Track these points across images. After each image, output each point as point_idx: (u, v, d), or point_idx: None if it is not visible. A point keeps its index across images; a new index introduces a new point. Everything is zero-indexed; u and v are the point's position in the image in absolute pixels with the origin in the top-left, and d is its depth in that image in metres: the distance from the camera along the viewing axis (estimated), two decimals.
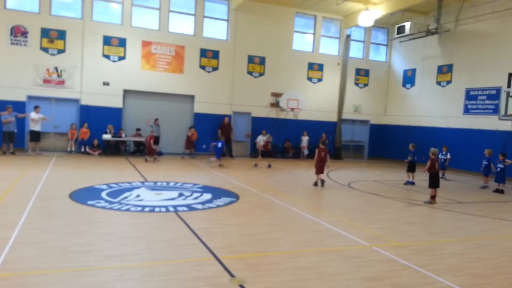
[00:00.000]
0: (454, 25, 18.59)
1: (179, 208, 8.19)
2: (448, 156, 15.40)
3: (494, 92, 16.66)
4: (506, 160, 12.86)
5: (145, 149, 16.48)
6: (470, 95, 17.95)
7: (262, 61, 20.07)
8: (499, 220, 9.07)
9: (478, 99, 17.56)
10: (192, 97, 19.23)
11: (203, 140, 19.13)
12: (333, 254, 5.96)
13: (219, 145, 15.81)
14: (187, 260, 5.32)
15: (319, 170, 12.04)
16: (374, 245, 6.47)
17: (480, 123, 17.25)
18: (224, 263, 5.23)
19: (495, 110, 16.11)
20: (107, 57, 17.76)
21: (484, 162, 13.91)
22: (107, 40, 17.69)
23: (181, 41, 18.73)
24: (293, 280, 4.87)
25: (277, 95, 20.22)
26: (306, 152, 20.30)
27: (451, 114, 18.69)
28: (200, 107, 19.25)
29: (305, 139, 20.36)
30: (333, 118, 21.57)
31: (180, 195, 9.54)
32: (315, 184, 12.17)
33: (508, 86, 14.66)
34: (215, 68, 19.35)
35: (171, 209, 8.12)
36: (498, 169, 12.95)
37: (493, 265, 5.87)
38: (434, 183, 10.48)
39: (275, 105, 20.20)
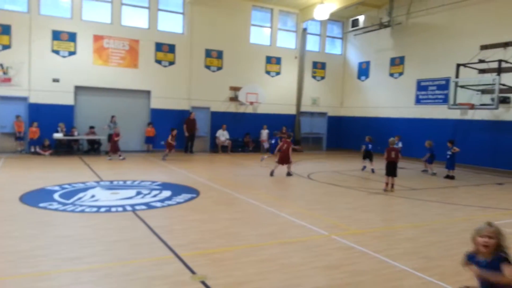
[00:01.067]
0: (405, 18, 19.27)
1: (137, 207, 7.98)
2: (400, 145, 15.95)
3: (443, 82, 17.45)
4: (454, 147, 13.50)
5: (110, 147, 15.93)
6: (421, 86, 18.71)
7: (219, 55, 19.91)
8: (450, 204, 9.55)
9: (429, 90, 18.34)
10: (148, 92, 18.77)
11: (162, 137, 18.76)
12: (294, 245, 6.03)
13: (273, 141, 15.94)
14: (147, 259, 5.20)
15: (280, 160, 12.58)
16: (333, 234, 6.61)
17: (431, 113, 18.04)
18: (185, 261, 5.15)
19: (445, 100, 16.88)
20: (57, 52, 16.95)
21: (427, 153, 14.84)
22: (56, 35, 16.86)
23: (135, 35, 18.19)
24: (256, 273, 4.88)
25: (236, 89, 20.15)
26: (266, 145, 20.41)
27: (403, 104, 19.41)
28: (157, 103, 18.84)
29: (265, 133, 20.47)
30: (292, 111, 21.82)
31: (138, 193, 9.30)
32: (271, 174, 12.63)
33: (457, 77, 15.40)
34: (171, 63, 18.98)
35: (129, 208, 7.90)
36: (448, 156, 13.60)
37: (444, 248, 6.17)
38: (389, 171, 10.86)
39: (234, 99, 20.14)
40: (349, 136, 22.24)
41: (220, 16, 19.65)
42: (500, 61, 14.20)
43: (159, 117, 18.70)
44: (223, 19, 19.71)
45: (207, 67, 19.73)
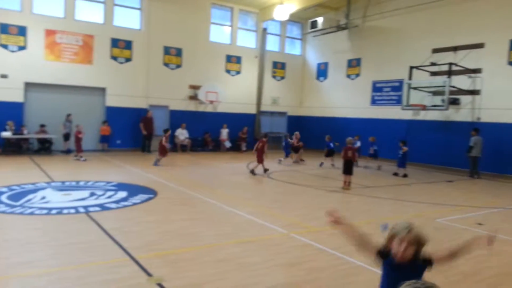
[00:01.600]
0: (362, 21, 19.81)
1: (91, 209, 7.68)
2: (358, 144, 16.43)
3: (397, 84, 18.11)
4: (403, 147, 13.99)
5: (76, 147, 15.17)
6: (376, 87, 19.33)
7: (178, 52, 19.59)
8: (403, 201, 9.92)
9: (384, 91, 18.97)
10: (103, 89, 18.14)
11: (118, 135, 18.23)
12: (253, 244, 6.03)
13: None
14: (101, 262, 5.01)
15: (259, 159, 13.16)
16: (292, 232, 6.67)
17: (385, 113, 18.67)
18: (140, 263, 5.01)
19: (399, 101, 17.52)
20: (5, 46, 16.00)
21: (373, 148, 15.89)
22: (4, 28, 15.91)
23: (89, 30, 17.52)
24: (214, 273, 4.83)
25: (195, 87, 19.91)
26: (228, 145, 20.33)
27: (360, 105, 19.97)
28: (112, 101, 18.24)
29: (225, 132, 20.38)
30: (252, 110, 21.87)
31: (92, 194, 8.96)
32: (252, 171, 13.15)
33: (410, 79, 16.03)
34: (128, 59, 18.45)
35: (82, 210, 7.59)
36: (399, 155, 14.12)
37: None
38: (346, 169, 11.14)
39: (194, 97, 19.89)
40: (309, 135, 22.56)
41: (179, 13, 19.33)
42: (450, 64, 14.92)
43: (115, 115, 18.12)
44: (182, 16, 19.41)
45: (166, 64, 19.36)
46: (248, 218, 7.53)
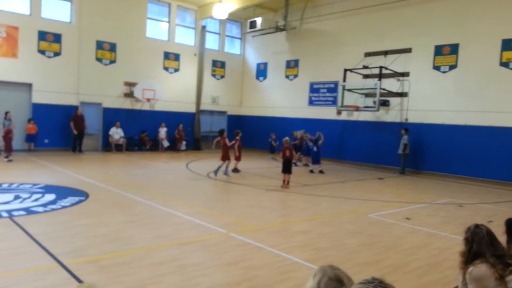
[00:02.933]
0: (299, 23, 20.29)
1: (15, 213, 7.08)
2: (321, 140, 16.77)
3: (333, 86, 18.78)
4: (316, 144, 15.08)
5: (6, 147, 13.84)
6: (313, 88, 19.91)
7: (112, 47, 18.72)
8: (338, 198, 10.29)
9: (320, 92, 19.60)
10: (30, 85, 16.84)
11: (46, 134, 17.04)
12: (192, 245, 5.90)
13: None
14: (27, 270, 4.64)
15: (227, 157, 12.80)
16: (231, 232, 6.64)
17: (322, 113, 19.29)
18: (70, 269, 4.70)
19: (334, 102, 18.18)
20: None
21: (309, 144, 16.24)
22: None
23: (14, 21, 16.16)
24: (150, 276, 4.65)
25: (131, 84, 19.16)
26: (166, 144, 19.81)
27: (298, 105, 20.45)
28: (40, 97, 16.99)
29: (163, 131, 19.85)
30: (192, 109, 21.53)
31: (16, 197, 8.27)
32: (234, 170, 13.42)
33: (344, 81, 16.69)
34: (57, 53, 17.29)
35: (5, 214, 6.97)
36: (314, 152, 14.95)
37: (333, 238, 6.60)
38: (285, 168, 11.34)
39: (130, 95, 19.14)
40: (249, 135, 22.69)
41: (113, 6, 18.47)
42: (381, 67, 15.75)
43: (42, 113, 16.89)
44: (116, 10, 18.57)
45: (99, 60, 18.42)
46: (186, 219, 7.37)
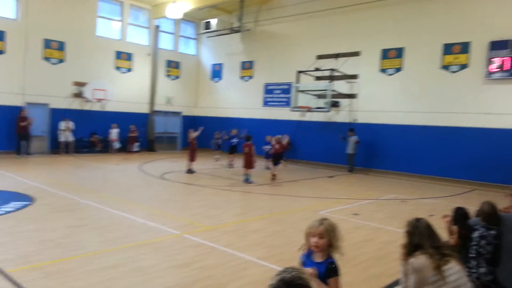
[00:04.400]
0: (254, 25, 20.48)
1: None
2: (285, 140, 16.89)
3: (287, 87, 19.12)
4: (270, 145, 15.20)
5: None
6: (268, 89, 20.17)
7: (61, 46, 17.96)
8: (290, 196, 10.51)
9: (274, 93, 19.90)
10: None
11: None
12: (144, 247, 5.83)
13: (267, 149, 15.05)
14: None
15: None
16: (185, 233, 6.62)
17: (276, 114, 19.59)
18: (13, 277, 4.50)
19: (288, 103, 18.52)
20: None
21: (267, 147, 16.17)
22: None
23: None
24: (100, 281, 4.57)
25: (80, 84, 18.47)
26: (117, 145, 19.26)
27: (253, 106, 20.63)
28: None
29: (114, 132, 19.26)
30: (145, 109, 21.10)
31: None
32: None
33: (297, 82, 17.06)
34: (1, 52, 16.35)
35: None
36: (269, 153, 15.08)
37: (285, 236, 6.76)
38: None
39: (79, 95, 18.44)
40: (203, 135, 22.58)
41: (61, 3, 17.71)
42: (332, 70, 16.26)
43: None
44: (65, 7, 17.83)
45: (46, 59, 17.61)
46: (139, 221, 7.26)
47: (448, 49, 14.39)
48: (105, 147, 19.14)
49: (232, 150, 16.08)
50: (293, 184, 12.66)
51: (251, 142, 12.72)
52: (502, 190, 6.12)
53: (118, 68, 20.03)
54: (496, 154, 13.07)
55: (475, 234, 3.99)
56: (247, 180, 12.24)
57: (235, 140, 16.20)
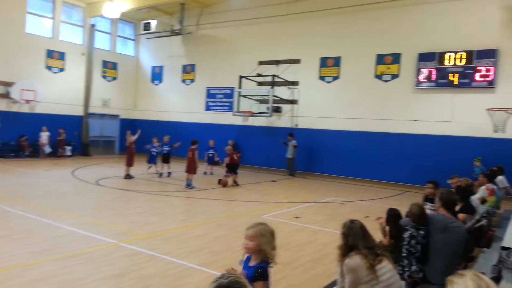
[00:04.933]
0: (195, 28, 20.24)
1: None
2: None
3: (229, 91, 19.09)
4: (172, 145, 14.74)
5: None
6: (210, 94, 20.01)
7: None
8: (234, 201, 10.48)
9: (217, 97, 19.78)
10: None
11: None
12: (76, 258, 5.46)
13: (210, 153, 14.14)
14: None
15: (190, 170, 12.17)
16: (122, 241, 6.31)
17: (219, 118, 19.48)
18: None
19: (230, 107, 18.50)
20: None
21: (210, 152, 15.91)
22: None
23: None
24: None
25: (7, 84, 17.06)
26: (47, 150, 18.02)
27: (195, 110, 20.35)
28: None
29: (45, 135, 18.01)
30: (79, 112, 19.98)
31: None
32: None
33: (240, 87, 17.11)
34: None
35: None
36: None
37: (228, 241, 6.68)
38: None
39: (6, 96, 17.02)
40: (143, 139, 21.87)
41: None
42: (273, 76, 16.51)
43: None
44: None
45: None
46: (70, 230, 6.80)
47: (380, 59, 15.21)
48: (34, 152, 17.85)
49: (165, 158, 14.48)
50: (236, 189, 12.62)
51: (195, 147, 12.47)
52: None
53: (49, 67, 18.82)
54: (424, 159, 14.00)
55: (406, 234, 4.19)
56: (189, 185, 12.01)
57: (166, 148, 14.54)
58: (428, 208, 5.98)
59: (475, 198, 6.75)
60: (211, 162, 15.87)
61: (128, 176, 13.13)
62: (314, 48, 16.62)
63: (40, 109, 18.15)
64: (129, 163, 13.21)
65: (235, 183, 12.89)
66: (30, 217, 7.49)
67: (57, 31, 19.07)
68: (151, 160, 14.72)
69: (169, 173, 14.27)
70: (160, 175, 14.13)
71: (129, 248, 6.00)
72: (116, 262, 5.39)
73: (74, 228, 6.92)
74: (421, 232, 4.16)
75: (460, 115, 13.64)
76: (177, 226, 7.62)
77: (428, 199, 6.60)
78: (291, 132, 16.47)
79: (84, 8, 19.90)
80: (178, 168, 14.71)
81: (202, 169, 15.58)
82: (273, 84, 16.42)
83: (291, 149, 16.15)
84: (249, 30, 18.43)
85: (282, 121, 17.58)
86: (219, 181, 13.05)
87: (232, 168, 13.10)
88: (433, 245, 4.08)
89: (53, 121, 18.50)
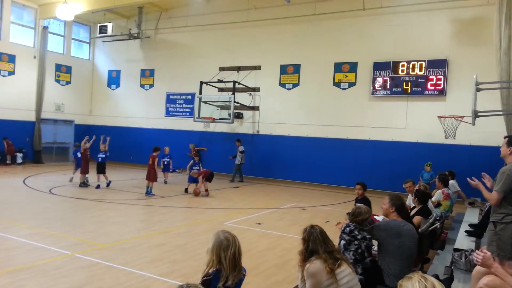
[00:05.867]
0: (154, 32, 19.91)
1: None
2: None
3: (189, 97, 18.88)
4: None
5: None
6: (170, 99, 19.69)
7: None
8: (195, 209, 10.32)
9: (177, 103, 19.50)
10: None
11: None
12: (27, 271, 5.15)
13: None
14: None
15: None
16: (77, 252, 6.03)
17: (179, 124, 19.19)
18: None
19: (191, 113, 18.29)
20: None
21: (166, 159, 15.26)
22: None
23: None
24: None
25: None
26: None
27: (154, 115, 19.93)
28: None
29: None
30: (31, 117, 19.02)
31: None
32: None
33: (200, 93, 16.96)
34: None
35: None
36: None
37: (188, 250, 6.55)
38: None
39: None
40: (99, 146, 21.17)
41: None
42: (234, 82, 16.51)
43: None
44: None
45: None
46: (21, 241, 6.42)
47: (338, 67, 15.62)
48: None
49: (100, 168, 12.87)
50: (199, 196, 12.43)
51: (156, 154, 12.16)
52: (385, 196, 6.70)
53: None
54: (380, 164, 14.47)
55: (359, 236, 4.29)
56: (149, 193, 11.70)
57: (101, 156, 13.03)
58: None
59: (429, 201, 7.04)
60: (167, 169, 15.32)
61: (83, 184, 12.61)
62: (274, 55, 16.80)
63: None
64: (85, 170, 12.70)
65: (207, 192, 12.34)
66: None
67: (7, 33, 18.12)
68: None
69: (108, 183, 12.81)
70: (98, 187, 12.55)
71: (85, 259, 5.74)
72: (71, 275, 5.14)
73: (25, 239, 6.54)
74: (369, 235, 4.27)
75: (413, 122, 14.25)
76: (136, 236, 7.39)
77: (358, 200, 6.86)
78: (239, 138, 16.67)
79: (36, 9, 19.05)
80: (139, 175, 14.31)
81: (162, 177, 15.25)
82: (234, 90, 16.42)
83: (239, 155, 16.22)
84: (210, 35, 18.36)
85: (243, 127, 17.60)
86: (186, 190, 12.61)
87: (209, 178, 12.56)
88: (390, 251, 4.19)
89: (3, 127, 17.49)
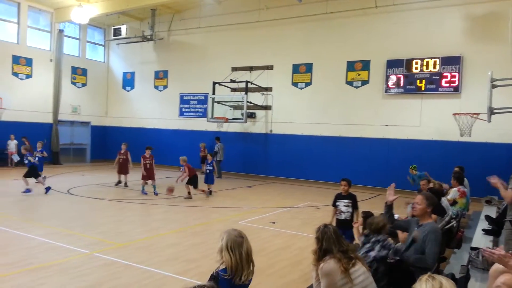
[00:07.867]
0: (167, 34, 20.11)
1: None
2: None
3: (203, 97, 19.03)
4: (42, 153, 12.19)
5: None
6: (184, 100, 19.87)
7: None
8: (209, 208, 10.43)
9: (191, 104, 19.67)
10: None
11: None
12: (48, 269, 5.30)
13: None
14: None
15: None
16: (95, 251, 6.17)
17: (193, 125, 19.36)
18: None
19: (204, 113, 18.43)
20: None
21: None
22: None
23: None
24: None
25: None
26: (16, 158, 17.34)
27: (168, 116, 20.14)
28: None
29: (12, 144, 17.37)
30: (48, 119, 19.42)
31: None
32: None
33: (213, 93, 17.08)
34: None
35: None
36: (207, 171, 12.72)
37: (203, 249, 6.64)
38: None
39: None
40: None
41: None
42: (247, 82, 16.58)
43: None
44: None
45: None
46: (41, 241, 6.60)
47: (351, 66, 15.55)
48: (2, 160, 17.20)
49: (31, 171, 11.27)
50: (212, 195, 12.53)
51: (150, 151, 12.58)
52: (401, 195, 6.69)
53: (15, 74, 18.24)
54: (395, 162, 14.35)
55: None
56: (143, 192, 11.96)
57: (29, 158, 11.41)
58: (343, 205, 6.47)
59: (445, 200, 6.99)
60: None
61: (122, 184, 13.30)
62: (286, 54, 16.81)
63: (7, 116, 17.53)
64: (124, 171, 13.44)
65: (207, 191, 12.01)
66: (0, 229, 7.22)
67: (24, 37, 18.53)
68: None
69: (48, 189, 11.24)
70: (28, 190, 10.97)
71: (103, 258, 5.87)
72: (90, 273, 5.27)
73: (45, 238, 6.72)
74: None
75: (428, 120, 14.10)
76: (151, 235, 7.51)
77: (341, 196, 6.75)
78: (218, 136, 17.17)
79: (52, 13, 19.43)
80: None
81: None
82: (246, 90, 16.48)
83: (220, 152, 16.63)
84: (222, 36, 18.46)
85: (256, 127, 17.66)
86: (209, 191, 12.16)
87: (191, 181, 11.60)
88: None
89: (21, 129, 17.88)
